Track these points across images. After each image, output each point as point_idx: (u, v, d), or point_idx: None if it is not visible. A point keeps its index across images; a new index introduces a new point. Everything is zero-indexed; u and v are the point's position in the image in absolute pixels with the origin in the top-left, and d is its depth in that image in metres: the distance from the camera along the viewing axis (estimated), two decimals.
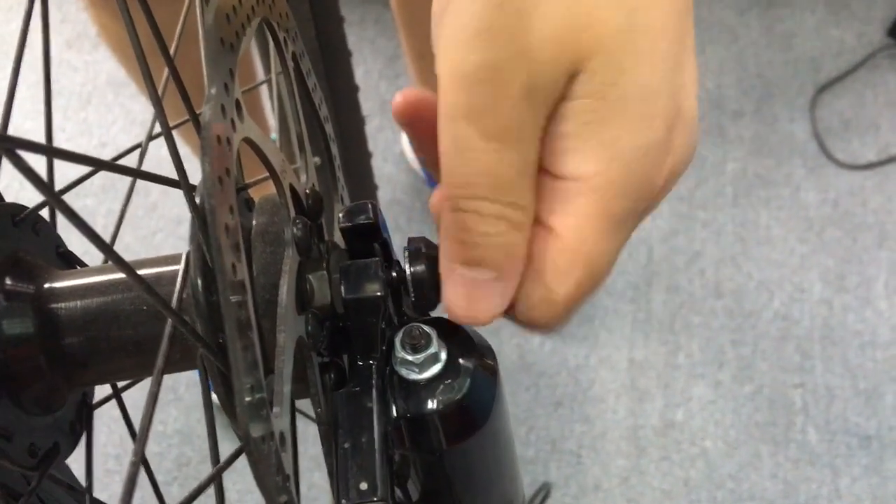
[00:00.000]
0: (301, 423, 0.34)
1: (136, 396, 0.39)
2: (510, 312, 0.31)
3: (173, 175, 0.32)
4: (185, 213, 1.55)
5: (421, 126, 0.33)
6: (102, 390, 0.37)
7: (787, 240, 1.45)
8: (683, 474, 1.27)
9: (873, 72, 1.61)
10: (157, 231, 1.54)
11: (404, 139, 1.56)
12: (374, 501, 0.29)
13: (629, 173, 0.28)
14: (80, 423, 0.34)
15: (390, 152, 1.59)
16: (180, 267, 0.30)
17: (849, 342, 1.36)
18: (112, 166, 0.28)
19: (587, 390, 1.34)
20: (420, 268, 0.32)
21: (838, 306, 1.39)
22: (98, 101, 1.72)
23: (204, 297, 0.28)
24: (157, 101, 0.32)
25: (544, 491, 1.24)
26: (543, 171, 0.29)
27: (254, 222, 0.31)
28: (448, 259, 0.31)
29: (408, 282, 0.32)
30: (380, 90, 1.67)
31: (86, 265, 0.36)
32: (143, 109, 1.69)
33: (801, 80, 1.61)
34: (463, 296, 0.31)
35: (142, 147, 0.41)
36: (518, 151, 0.28)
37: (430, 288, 0.32)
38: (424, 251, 0.33)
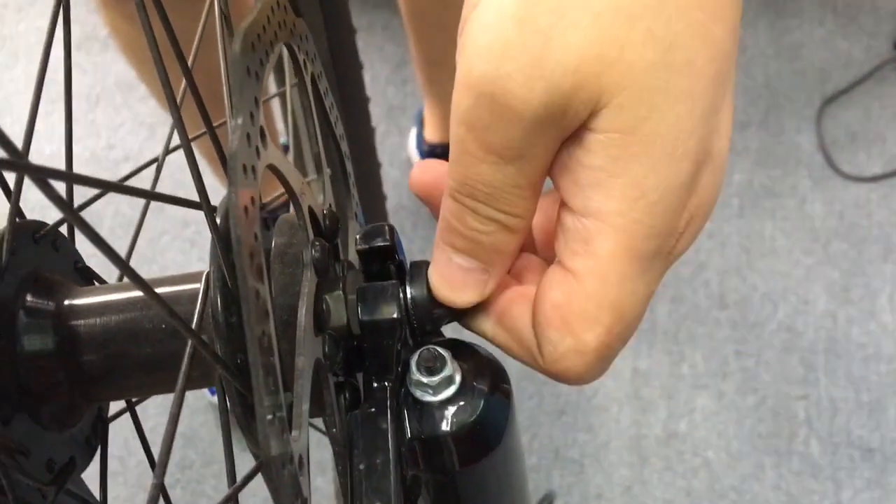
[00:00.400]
0: None
1: (144, 404, 0.39)
2: (538, 364, 0.31)
3: (190, 187, 0.32)
4: (193, 215, 1.56)
5: (438, 199, 0.33)
6: (116, 403, 0.38)
7: (793, 251, 1.45)
8: (686, 485, 1.27)
9: (880, 84, 1.61)
10: (164, 233, 1.55)
11: (411, 144, 1.57)
12: None
13: (652, 214, 0.27)
14: (96, 437, 0.35)
15: (396, 158, 1.59)
16: (200, 286, 0.30)
17: (853, 355, 1.36)
18: (131, 190, 0.29)
19: (591, 399, 1.35)
20: (420, 292, 0.32)
21: (843, 319, 1.39)
22: (106, 103, 1.72)
23: (223, 318, 0.28)
24: (176, 116, 0.32)
25: (548, 500, 1.25)
26: (563, 207, 0.29)
27: (272, 243, 0.32)
28: (441, 237, 0.31)
29: (408, 306, 0.32)
30: (387, 96, 1.68)
31: (103, 280, 0.37)
32: (150, 112, 1.69)
33: (809, 91, 1.62)
34: (447, 276, 0.32)
35: (158, 162, 0.41)
36: (518, 168, 0.28)
37: (429, 312, 0.32)
38: (426, 276, 0.33)
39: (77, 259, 0.36)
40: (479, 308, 0.32)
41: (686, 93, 0.27)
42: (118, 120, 1.70)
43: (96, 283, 0.36)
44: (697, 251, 1.45)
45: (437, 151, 1.48)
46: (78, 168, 0.32)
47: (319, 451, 1.30)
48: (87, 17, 1.77)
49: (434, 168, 0.35)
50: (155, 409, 1.33)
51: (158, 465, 0.23)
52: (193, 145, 0.32)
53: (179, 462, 1.33)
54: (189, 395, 1.55)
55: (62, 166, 0.37)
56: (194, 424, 1.37)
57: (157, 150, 0.41)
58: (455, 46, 0.29)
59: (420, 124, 1.54)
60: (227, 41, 0.32)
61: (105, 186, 0.25)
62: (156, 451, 0.33)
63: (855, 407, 1.32)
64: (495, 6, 0.26)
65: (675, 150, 0.27)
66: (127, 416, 0.39)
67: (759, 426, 1.31)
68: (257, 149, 0.24)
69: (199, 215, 1.74)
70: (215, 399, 1.34)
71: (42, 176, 0.21)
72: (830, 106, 1.59)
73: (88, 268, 0.36)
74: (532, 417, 1.33)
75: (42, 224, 0.33)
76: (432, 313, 0.32)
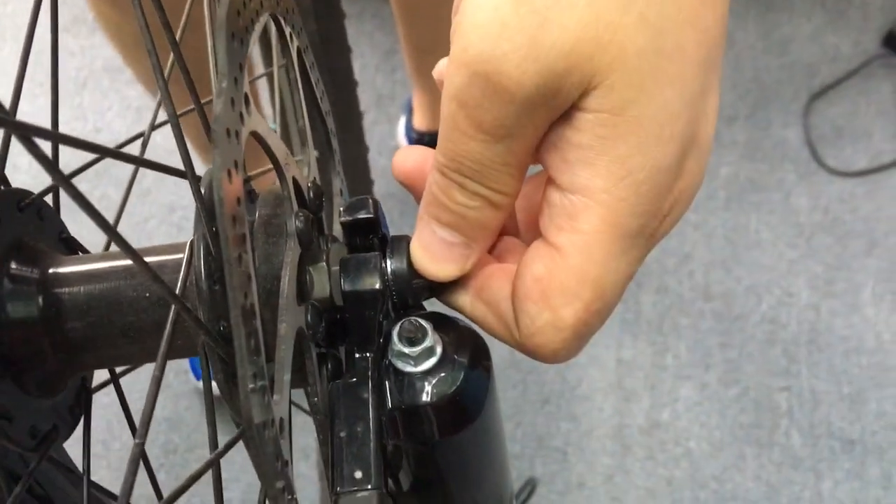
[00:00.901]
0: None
1: (128, 382, 0.40)
2: (515, 340, 0.31)
3: (174, 163, 0.32)
4: (179, 201, 1.55)
5: (421, 184, 0.34)
6: (100, 375, 0.38)
7: (777, 245, 1.46)
8: (667, 474, 1.28)
9: (867, 80, 1.62)
10: (150, 217, 1.55)
11: (400, 133, 1.57)
12: (368, 489, 0.29)
13: (638, 193, 0.28)
14: (79, 407, 0.35)
15: (385, 146, 1.59)
16: (184, 255, 0.31)
17: (835, 347, 1.37)
18: (118, 154, 0.29)
19: (575, 388, 1.35)
20: (400, 265, 0.33)
21: (825, 312, 1.40)
22: (93, 87, 1.72)
23: (207, 286, 0.28)
24: (164, 91, 0.32)
25: (530, 486, 1.25)
26: (550, 183, 0.30)
27: (257, 214, 0.32)
28: (425, 210, 0.32)
29: (388, 279, 0.33)
30: (376, 84, 1.68)
31: (87, 251, 0.37)
32: (138, 95, 1.69)
33: (796, 85, 1.62)
34: (428, 249, 0.32)
35: (144, 136, 0.41)
36: (507, 147, 0.28)
37: (408, 283, 0.33)
38: (406, 249, 0.33)
39: (62, 230, 0.36)
40: (458, 283, 0.33)
41: (675, 77, 0.27)
42: (105, 104, 1.70)
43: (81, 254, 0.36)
44: (683, 243, 1.46)
45: (426, 140, 1.49)
46: (63, 150, 0.32)
47: (304, 437, 1.30)
48: (75, 0, 1.76)
49: (416, 153, 0.35)
50: (139, 394, 1.33)
51: (140, 426, 0.23)
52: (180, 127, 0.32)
53: (164, 446, 1.33)
54: (174, 379, 1.54)
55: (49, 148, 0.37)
56: (179, 409, 1.37)
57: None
58: (445, 35, 0.29)
59: (409, 112, 1.54)
60: (215, 5, 0.32)
61: (92, 149, 0.26)
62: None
63: (836, 399, 1.33)
64: None
65: (663, 132, 0.27)
66: (110, 400, 0.39)
67: (741, 417, 1.32)
68: (241, 114, 0.25)
69: (186, 201, 1.72)
70: (200, 384, 1.34)
71: (27, 133, 0.21)
72: (818, 101, 1.60)
73: (73, 238, 0.36)
74: (516, 406, 1.34)
75: (27, 193, 0.33)
76: (411, 284, 0.32)
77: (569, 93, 0.27)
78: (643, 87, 0.27)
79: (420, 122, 1.49)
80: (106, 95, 1.71)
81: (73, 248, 0.36)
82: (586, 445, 1.31)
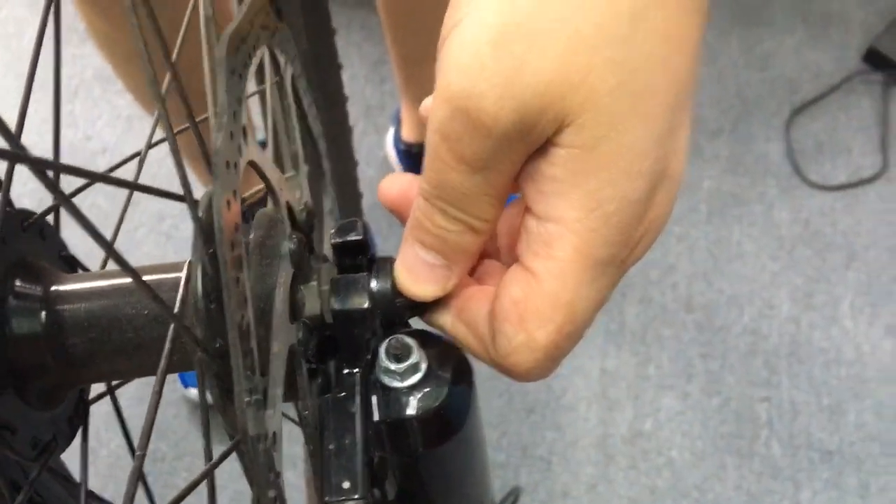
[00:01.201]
0: None
1: (120, 392, 0.41)
2: (491, 358, 0.33)
3: (165, 183, 0.33)
4: (168, 209, 1.56)
5: (406, 210, 0.35)
6: (97, 386, 0.39)
7: (759, 257, 1.48)
8: (650, 483, 1.30)
9: (848, 96, 1.65)
10: (140, 226, 1.55)
11: (388, 143, 1.58)
12: (355, 499, 0.31)
13: (608, 223, 0.29)
14: (78, 418, 0.36)
15: (373, 157, 1.61)
16: (181, 274, 0.32)
17: (814, 359, 1.39)
18: (115, 181, 0.30)
19: (559, 398, 1.37)
20: (384, 285, 0.34)
21: (805, 324, 1.42)
22: (85, 95, 1.73)
23: (204, 305, 0.30)
24: (164, 116, 0.34)
25: (514, 495, 1.27)
26: (528, 211, 0.31)
27: (251, 235, 0.33)
28: (410, 233, 0.33)
29: (374, 298, 0.34)
30: (365, 95, 1.69)
31: (87, 268, 0.38)
32: (128, 104, 1.69)
33: (778, 100, 1.65)
34: (412, 270, 0.34)
35: (141, 156, 0.43)
36: (485, 177, 0.30)
37: (392, 303, 0.34)
38: (391, 270, 0.35)
39: (62, 248, 0.37)
40: (440, 303, 0.34)
41: (644, 116, 0.29)
42: (96, 112, 1.70)
43: (80, 271, 0.38)
44: (666, 255, 1.48)
45: (414, 150, 1.50)
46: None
47: (290, 446, 1.31)
48: (66, 8, 1.77)
49: (401, 181, 0.37)
50: (128, 402, 1.34)
51: (141, 437, 0.25)
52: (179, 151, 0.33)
53: (151, 454, 1.34)
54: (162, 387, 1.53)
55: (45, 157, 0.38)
56: (167, 416, 1.37)
57: (135, 143, 0.43)
58: (434, 46, 0.31)
59: (397, 123, 1.55)
60: (213, 39, 0.34)
61: (91, 177, 0.27)
62: (133, 438, 0.34)
63: (815, 410, 1.35)
64: (474, 29, 0.29)
65: (632, 168, 0.29)
66: (98, 409, 0.40)
67: (723, 427, 1.34)
68: (239, 146, 0.26)
69: (176, 210, 1.71)
70: (189, 392, 1.35)
71: (38, 167, 0.23)
72: (799, 116, 1.62)
73: (73, 256, 0.38)
74: (501, 415, 1.36)
75: (30, 213, 0.35)
76: (395, 304, 0.34)
77: (543, 129, 0.29)
78: (614, 125, 0.28)
79: (408, 133, 1.51)
80: (97, 104, 1.71)
81: (72, 265, 0.37)
82: (570, 455, 1.33)
